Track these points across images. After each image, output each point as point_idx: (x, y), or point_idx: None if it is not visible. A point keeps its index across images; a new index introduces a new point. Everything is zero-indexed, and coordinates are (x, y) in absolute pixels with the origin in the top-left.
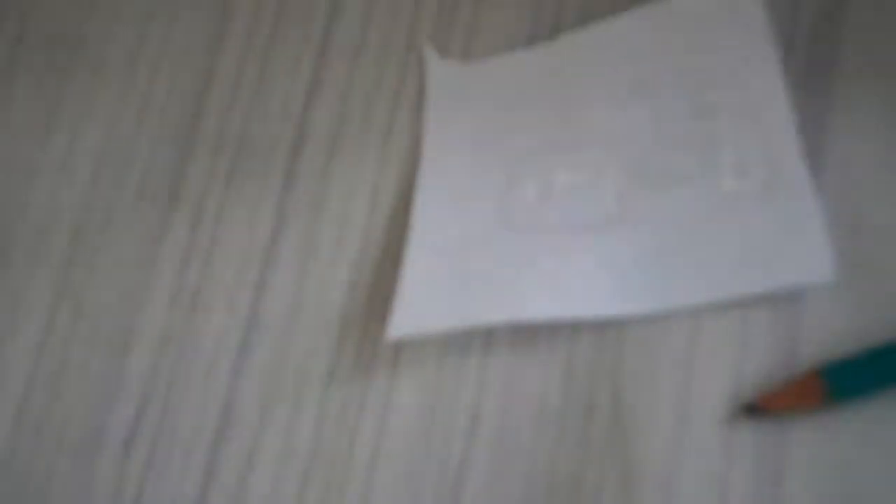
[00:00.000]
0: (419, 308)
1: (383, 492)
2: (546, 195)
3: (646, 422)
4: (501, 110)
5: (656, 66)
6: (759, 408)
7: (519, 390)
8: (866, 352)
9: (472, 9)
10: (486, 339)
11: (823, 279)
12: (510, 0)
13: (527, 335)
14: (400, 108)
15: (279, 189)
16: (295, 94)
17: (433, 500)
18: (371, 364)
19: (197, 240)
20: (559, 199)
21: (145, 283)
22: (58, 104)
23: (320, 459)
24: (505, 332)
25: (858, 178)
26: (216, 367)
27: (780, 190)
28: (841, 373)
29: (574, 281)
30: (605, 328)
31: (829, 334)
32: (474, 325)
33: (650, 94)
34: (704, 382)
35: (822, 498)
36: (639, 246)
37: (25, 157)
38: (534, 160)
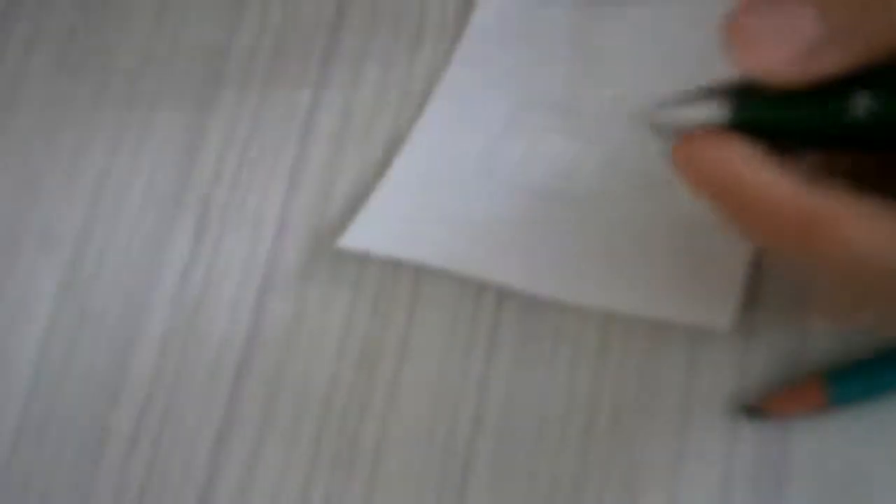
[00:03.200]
0: (379, 228)
1: (386, 494)
2: (531, 158)
3: (648, 424)
4: (524, 62)
5: (684, 53)
6: (761, 411)
7: (522, 392)
8: (869, 355)
9: None
10: (489, 341)
11: (721, 327)
12: None
13: (530, 338)
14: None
15: (284, 189)
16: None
17: (436, 501)
18: (374, 366)
19: (201, 242)
20: (541, 164)
21: (149, 284)
22: (66, 108)
23: (323, 461)
24: (509, 334)
25: None
26: (219, 368)
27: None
28: (843, 376)
29: (516, 248)
30: (608, 329)
31: (832, 337)
32: (420, 263)
33: (673, 77)
34: (707, 385)
35: (824, 501)
36: (587, 234)
37: (32, 161)
38: (533, 115)
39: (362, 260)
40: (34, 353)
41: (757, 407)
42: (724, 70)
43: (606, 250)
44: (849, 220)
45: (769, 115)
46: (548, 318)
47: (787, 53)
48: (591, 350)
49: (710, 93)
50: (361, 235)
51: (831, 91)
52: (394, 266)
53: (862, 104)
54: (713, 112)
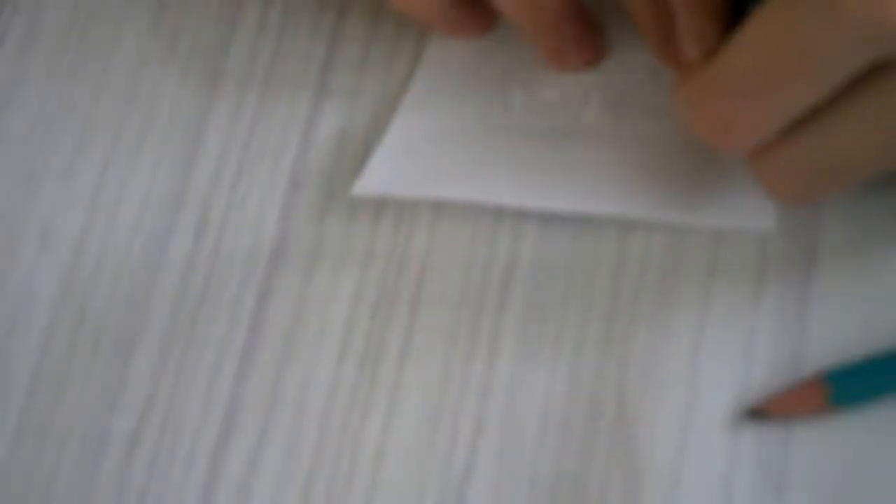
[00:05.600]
0: (390, 173)
1: (387, 496)
2: (531, 105)
3: (650, 426)
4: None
5: None
6: (763, 412)
7: (524, 395)
8: (872, 356)
9: None
10: (491, 341)
11: (766, 228)
12: None
13: (532, 339)
14: None
15: (285, 189)
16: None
17: (437, 503)
18: (375, 368)
19: (201, 242)
20: (542, 110)
21: (149, 284)
22: (65, 108)
23: (324, 463)
24: (510, 335)
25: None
26: (220, 369)
27: None
28: (846, 377)
29: (535, 174)
30: (611, 330)
31: (835, 338)
32: (437, 198)
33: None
34: (709, 386)
35: (827, 502)
36: (600, 156)
37: (32, 161)
38: (526, 73)
39: (363, 261)
40: (34, 353)
41: (758, 408)
42: None
43: (625, 162)
44: None
45: None
46: (548, 319)
47: None
48: (593, 351)
49: None
50: (374, 182)
51: None
52: (396, 267)
53: None
54: None
